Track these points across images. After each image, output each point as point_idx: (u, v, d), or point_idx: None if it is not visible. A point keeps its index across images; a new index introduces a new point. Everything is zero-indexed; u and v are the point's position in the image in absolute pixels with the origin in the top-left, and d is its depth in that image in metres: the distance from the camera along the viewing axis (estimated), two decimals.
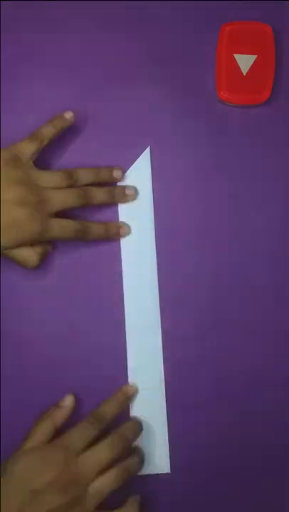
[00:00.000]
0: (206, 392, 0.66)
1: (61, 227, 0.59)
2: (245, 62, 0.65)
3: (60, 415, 0.60)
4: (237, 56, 0.65)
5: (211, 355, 0.66)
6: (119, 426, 0.61)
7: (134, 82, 0.66)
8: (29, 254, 0.59)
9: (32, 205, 0.57)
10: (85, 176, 0.61)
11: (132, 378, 0.64)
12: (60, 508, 0.53)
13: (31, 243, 0.59)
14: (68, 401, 0.61)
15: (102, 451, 0.57)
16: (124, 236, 0.64)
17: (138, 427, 0.62)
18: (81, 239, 0.61)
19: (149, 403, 0.64)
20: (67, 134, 0.64)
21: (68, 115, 0.62)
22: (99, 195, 0.62)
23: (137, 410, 0.64)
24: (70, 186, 0.61)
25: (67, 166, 0.63)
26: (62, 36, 0.66)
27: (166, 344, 0.65)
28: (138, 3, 0.66)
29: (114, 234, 0.64)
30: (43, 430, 0.58)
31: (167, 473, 0.64)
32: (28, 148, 0.59)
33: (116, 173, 0.63)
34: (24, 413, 0.61)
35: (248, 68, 0.65)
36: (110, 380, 0.64)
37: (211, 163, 0.66)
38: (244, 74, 0.65)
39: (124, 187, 0.64)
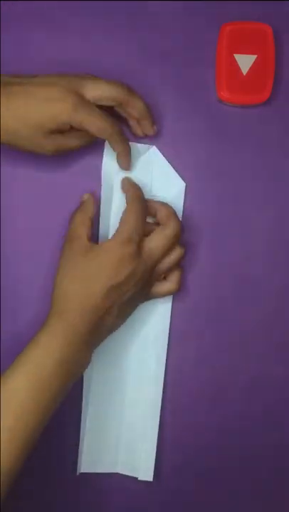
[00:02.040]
0: (202, 396, 0.66)
1: (92, 112, 0.58)
2: (245, 62, 0.65)
3: (90, 207, 0.61)
4: (237, 56, 0.65)
5: (208, 356, 0.66)
6: (169, 211, 0.61)
7: (134, 82, 0.66)
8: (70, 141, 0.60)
9: (66, 87, 0.58)
10: (137, 102, 0.61)
11: (131, 381, 0.65)
12: (138, 292, 0.60)
13: (64, 126, 0.58)
14: (88, 195, 0.62)
15: (167, 238, 0.60)
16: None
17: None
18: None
19: (144, 407, 0.64)
20: None
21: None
22: (138, 100, 0.62)
23: (129, 410, 0.64)
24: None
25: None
26: (63, 36, 0.66)
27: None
28: (138, 3, 0.66)
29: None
30: (84, 223, 0.60)
31: (152, 482, 0.64)
32: None
33: (155, 127, 0.64)
34: None
35: (248, 68, 0.65)
36: None
37: (211, 163, 0.66)
38: (244, 74, 0.65)
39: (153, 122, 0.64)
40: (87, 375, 0.64)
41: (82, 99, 0.58)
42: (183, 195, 0.65)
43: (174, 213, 0.62)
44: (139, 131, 0.64)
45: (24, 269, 0.65)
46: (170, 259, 0.61)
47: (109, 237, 0.62)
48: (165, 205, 0.62)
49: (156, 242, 0.60)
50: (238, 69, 0.65)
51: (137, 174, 0.64)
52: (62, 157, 0.64)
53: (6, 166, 0.65)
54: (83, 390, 0.64)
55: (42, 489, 0.65)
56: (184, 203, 0.66)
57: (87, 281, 0.57)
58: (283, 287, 0.66)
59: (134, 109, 0.62)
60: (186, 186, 0.66)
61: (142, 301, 0.62)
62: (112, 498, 0.65)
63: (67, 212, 0.65)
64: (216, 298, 0.66)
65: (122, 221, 0.59)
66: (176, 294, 0.65)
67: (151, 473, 0.63)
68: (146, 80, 0.66)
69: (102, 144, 0.64)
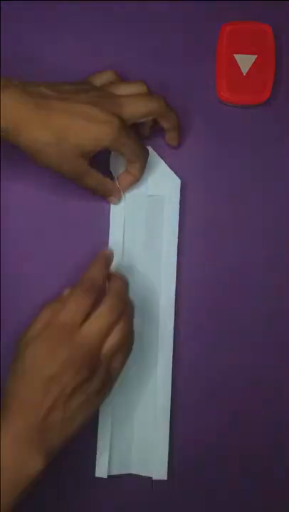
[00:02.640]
0: (206, 396, 0.66)
1: (131, 137, 0.58)
2: (245, 62, 0.65)
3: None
4: (237, 56, 0.65)
5: (210, 355, 0.66)
6: (110, 287, 0.58)
7: None
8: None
9: (107, 107, 0.57)
10: (171, 116, 0.61)
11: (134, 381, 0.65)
12: (84, 381, 0.54)
13: (102, 149, 0.57)
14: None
15: (103, 317, 0.55)
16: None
17: (126, 281, 0.59)
18: (135, 161, 0.61)
19: (153, 408, 0.64)
20: None
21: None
22: (173, 116, 0.62)
23: (139, 411, 0.64)
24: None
25: None
26: (62, 36, 0.66)
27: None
28: (138, 3, 0.66)
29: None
30: (45, 319, 0.56)
31: (164, 480, 0.64)
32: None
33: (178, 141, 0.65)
34: None
35: (248, 68, 0.65)
36: None
37: (210, 163, 0.66)
38: (244, 74, 0.65)
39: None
40: None
41: (123, 123, 0.57)
42: (178, 192, 0.65)
43: (115, 288, 0.58)
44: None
45: (24, 269, 0.65)
46: (115, 337, 0.55)
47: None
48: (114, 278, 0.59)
49: (91, 323, 0.54)
50: (238, 69, 0.65)
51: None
52: None
53: (5, 167, 0.65)
54: None
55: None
56: (183, 202, 0.66)
57: (24, 376, 0.53)
58: (283, 287, 0.66)
59: (169, 121, 0.62)
60: (185, 185, 0.66)
61: (106, 389, 0.57)
62: (122, 498, 0.65)
63: (68, 212, 0.65)
64: (216, 298, 0.66)
65: (71, 298, 0.55)
66: (177, 294, 0.65)
67: (165, 472, 0.64)
68: (147, 80, 0.66)
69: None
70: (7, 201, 0.65)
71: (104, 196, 0.63)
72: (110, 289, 0.57)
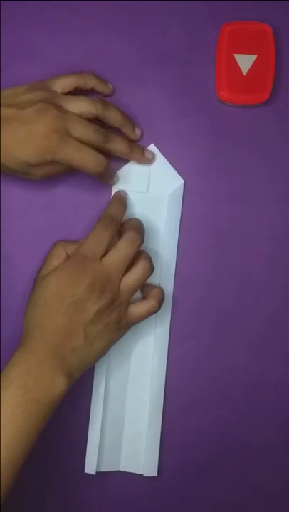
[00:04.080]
0: (203, 395, 0.66)
1: (81, 125, 0.58)
2: (245, 62, 0.65)
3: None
4: (237, 56, 0.65)
5: (209, 355, 0.66)
6: (126, 224, 0.61)
7: (134, 82, 0.66)
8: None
9: (50, 102, 0.57)
10: (113, 114, 0.61)
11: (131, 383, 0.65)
12: (105, 308, 0.57)
13: (47, 161, 0.57)
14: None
15: (123, 249, 0.59)
16: (150, 161, 0.64)
17: (140, 221, 0.62)
18: (101, 145, 0.59)
19: (146, 405, 0.65)
20: None
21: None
22: (118, 141, 0.61)
23: (131, 409, 0.64)
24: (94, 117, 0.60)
25: None
26: (62, 36, 0.66)
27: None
28: (138, 3, 0.66)
29: (138, 154, 0.63)
30: (59, 255, 0.59)
31: (155, 477, 0.64)
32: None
33: (137, 131, 0.64)
34: None
35: (248, 68, 0.65)
36: None
37: (210, 163, 0.66)
38: (244, 74, 0.65)
39: (144, 148, 0.65)
40: (96, 378, 0.64)
41: (66, 136, 0.57)
42: (182, 192, 0.65)
43: (132, 224, 0.61)
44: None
45: (24, 269, 0.65)
46: (135, 272, 0.59)
47: None
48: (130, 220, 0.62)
49: (111, 255, 0.58)
50: (238, 69, 0.65)
51: (135, 172, 0.64)
52: None
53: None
54: (93, 391, 0.64)
55: (47, 487, 0.65)
56: (184, 202, 0.66)
57: (46, 306, 0.56)
58: (283, 287, 0.66)
59: (113, 120, 0.61)
60: (186, 185, 0.66)
61: (122, 325, 0.59)
62: (113, 496, 0.65)
63: (69, 212, 0.65)
64: (216, 297, 0.66)
65: (92, 234, 0.58)
66: (176, 293, 0.65)
67: (156, 469, 0.64)
68: (147, 80, 0.66)
69: None
70: (7, 201, 0.65)
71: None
72: (126, 225, 0.61)
